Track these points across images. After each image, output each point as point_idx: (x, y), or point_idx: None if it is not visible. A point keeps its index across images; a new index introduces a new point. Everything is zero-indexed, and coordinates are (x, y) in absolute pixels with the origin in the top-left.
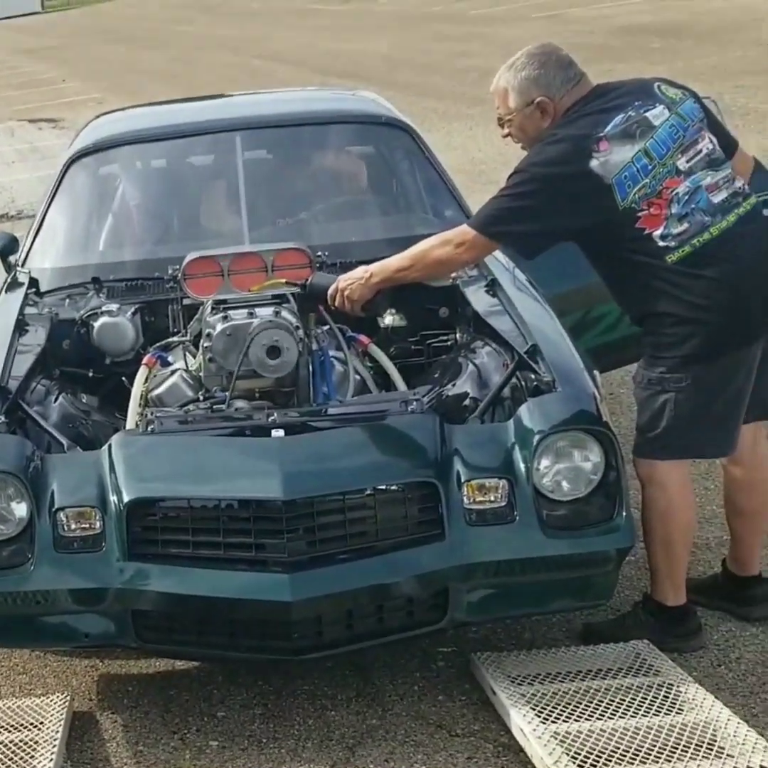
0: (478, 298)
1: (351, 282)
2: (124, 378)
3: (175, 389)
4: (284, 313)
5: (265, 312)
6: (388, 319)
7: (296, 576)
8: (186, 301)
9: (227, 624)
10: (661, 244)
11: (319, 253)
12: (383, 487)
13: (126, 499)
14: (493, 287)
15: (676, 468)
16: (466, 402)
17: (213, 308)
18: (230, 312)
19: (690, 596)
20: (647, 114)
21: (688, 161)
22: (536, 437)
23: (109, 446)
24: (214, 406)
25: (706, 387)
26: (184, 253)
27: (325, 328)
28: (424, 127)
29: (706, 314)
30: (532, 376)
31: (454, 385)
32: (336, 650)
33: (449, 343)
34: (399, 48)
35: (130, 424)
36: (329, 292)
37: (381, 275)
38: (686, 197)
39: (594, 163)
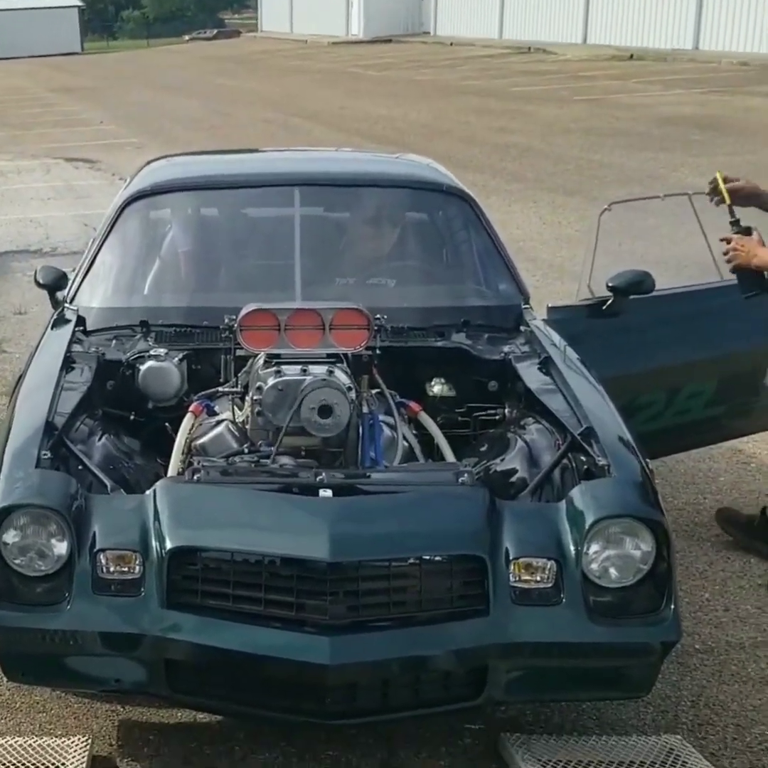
0: (530, 375)
1: (742, 251)
2: (166, 424)
3: (220, 439)
4: (337, 373)
5: (319, 370)
6: (437, 388)
7: (336, 640)
8: (238, 353)
9: (261, 682)
10: None
11: (379, 316)
12: (429, 557)
13: (169, 546)
14: (546, 365)
15: None
16: (514, 479)
17: (266, 362)
18: (283, 367)
19: (722, 524)
20: None
21: None
22: (588, 521)
23: (154, 491)
24: (260, 460)
25: None
26: (234, 303)
27: (376, 391)
28: None
29: None
30: (584, 459)
31: (502, 460)
32: (368, 718)
33: (497, 417)
34: (439, 118)
35: (172, 470)
36: (726, 236)
37: (759, 262)
38: None
39: None
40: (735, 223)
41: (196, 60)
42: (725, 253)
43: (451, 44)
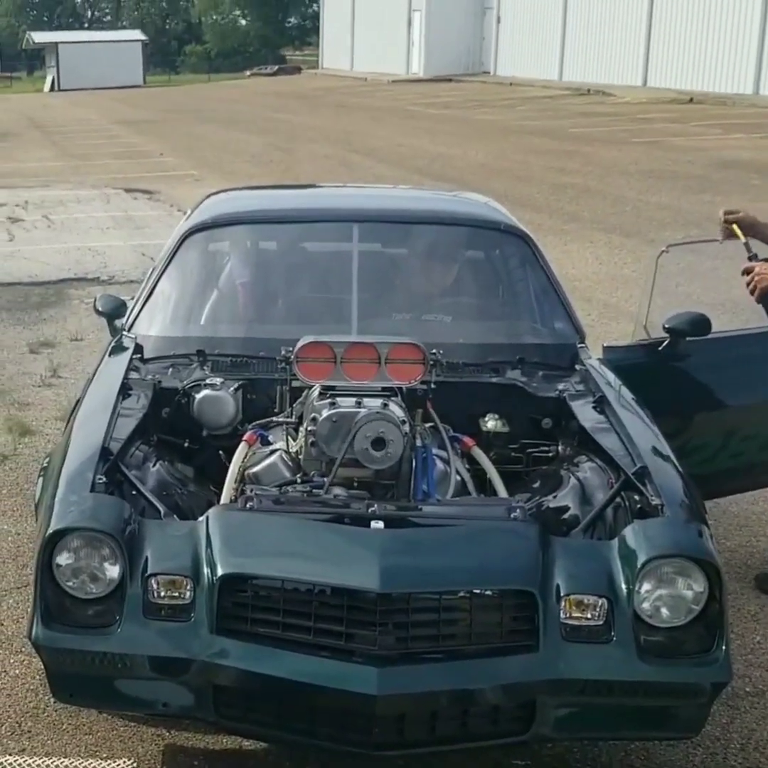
0: (585, 413)
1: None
2: (220, 452)
3: (273, 469)
4: (392, 407)
5: (374, 403)
6: (491, 423)
7: (384, 671)
8: (294, 383)
9: (308, 710)
10: None
11: (435, 352)
12: (480, 591)
13: (220, 572)
14: (601, 404)
15: None
16: (567, 515)
17: (321, 393)
18: (338, 399)
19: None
20: None
21: None
22: (641, 560)
23: (207, 518)
24: (312, 490)
25: None
26: (291, 335)
27: (430, 425)
28: None
29: None
30: (638, 497)
31: (555, 497)
32: (415, 750)
33: (550, 454)
34: (496, 157)
35: (225, 498)
36: (745, 267)
37: None
38: None
39: None
40: (753, 256)
41: (256, 95)
42: (749, 284)
43: (511, 84)
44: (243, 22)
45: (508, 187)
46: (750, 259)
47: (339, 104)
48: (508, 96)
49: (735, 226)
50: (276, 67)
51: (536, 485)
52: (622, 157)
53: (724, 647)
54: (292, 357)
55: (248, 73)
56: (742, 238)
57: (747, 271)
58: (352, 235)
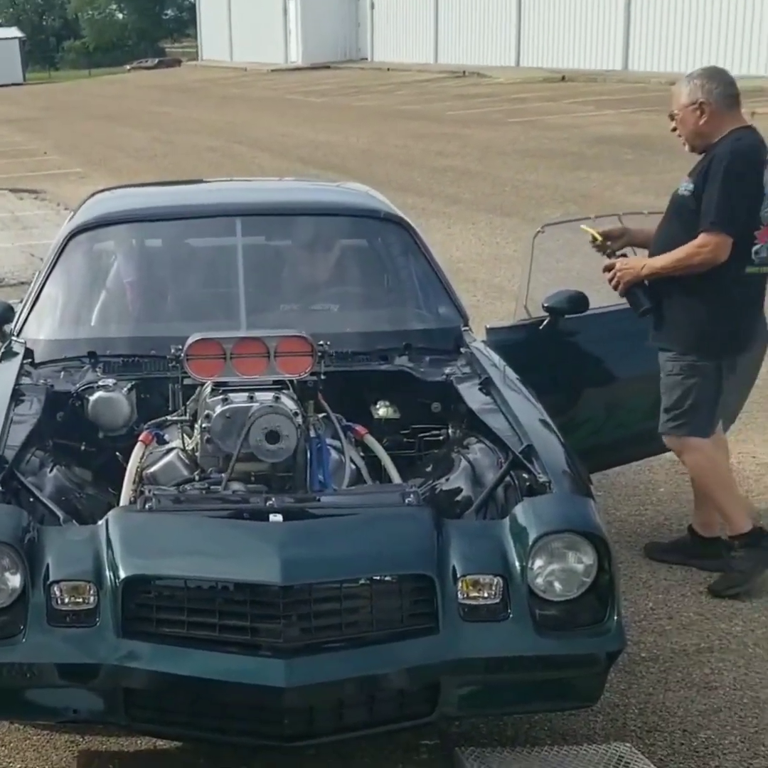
0: (472, 396)
1: (629, 268)
2: (117, 453)
3: (170, 468)
4: (284, 399)
5: (266, 397)
6: (382, 411)
7: (291, 662)
8: (186, 381)
9: (218, 707)
10: (753, 256)
11: (322, 343)
12: (379, 577)
13: (122, 575)
14: (487, 385)
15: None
16: (459, 497)
17: (213, 390)
18: (230, 395)
19: (657, 556)
20: None
21: None
22: (531, 537)
23: (107, 521)
24: (210, 487)
25: (718, 377)
26: (180, 333)
27: (323, 416)
28: None
29: (739, 322)
30: (526, 476)
31: (447, 480)
32: (325, 739)
33: (441, 438)
34: (377, 143)
35: (124, 499)
36: (606, 264)
37: (649, 270)
38: None
39: (765, 171)
40: (611, 254)
41: (138, 89)
42: (611, 280)
43: (388, 69)
44: (120, 16)
45: (390, 172)
46: (607, 256)
47: (220, 95)
48: (385, 81)
49: (594, 233)
50: (156, 60)
51: (429, 469)
52: (499, 138)
53: (616, 617)
54: (182, 355)
55: (128, 67)
56: (599, 240)
57: (608, 269)
58: (236, 230)
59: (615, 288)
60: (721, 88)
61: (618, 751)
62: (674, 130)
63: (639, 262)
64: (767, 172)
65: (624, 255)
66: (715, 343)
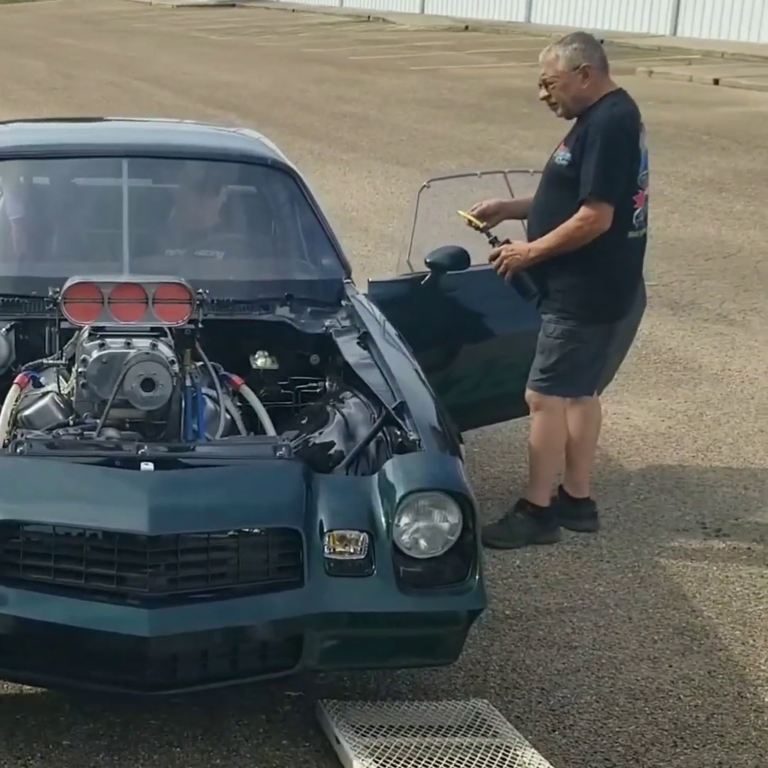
0: (350, 349)
1: (516, 253)
2: None
3: (45, 411)
4: (161, 347)
5: (142, 344)
6: (260, 361)
7: (155, 612)
8: (63, 325)
9: (82, 654)
10: (633, 221)
11: (201, 291)
12: (247, 530)
13: None
14: (365, 339)
15: (560, 401)
16: (332, 452)
17: (90, 334)
18: (107, 340)
19: None
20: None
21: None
22: (399, 494)
23: None
24: (84, 433)
25: (600, 344)
26: (63, 274)
27: (200, 364)
28: (299, 168)
29: (621, 287)
30: (398, 433)
31: (321, 433)
32: (188, 689)
33: (318, 390)
34: (279, 85)
35: None
36: (491, 253)
37: (536, 253)
38: (645, 202)
39: (641, 135)
40: (494, 240)
41: (41, 18)
42: (498, 267)
43: (294, 10)
44: None
45: (290, 115)
46: (491, 243)
47: (124, 29)
48: (291, 23)
49: (470, 217)
50: None
51: (304, 422)
52: (400, 86)
53: (477, 576)
54: (60, 298)
55: None
56: (481, 225)
57: (493, 257)
58: (122, 171)
59: (503, 275)
60: (599, 52)
61: (476, 708)
62: (547, 97)
63: (524, 246)
64: (643, 136)
65: (508, 240)
66: (598, 310)
